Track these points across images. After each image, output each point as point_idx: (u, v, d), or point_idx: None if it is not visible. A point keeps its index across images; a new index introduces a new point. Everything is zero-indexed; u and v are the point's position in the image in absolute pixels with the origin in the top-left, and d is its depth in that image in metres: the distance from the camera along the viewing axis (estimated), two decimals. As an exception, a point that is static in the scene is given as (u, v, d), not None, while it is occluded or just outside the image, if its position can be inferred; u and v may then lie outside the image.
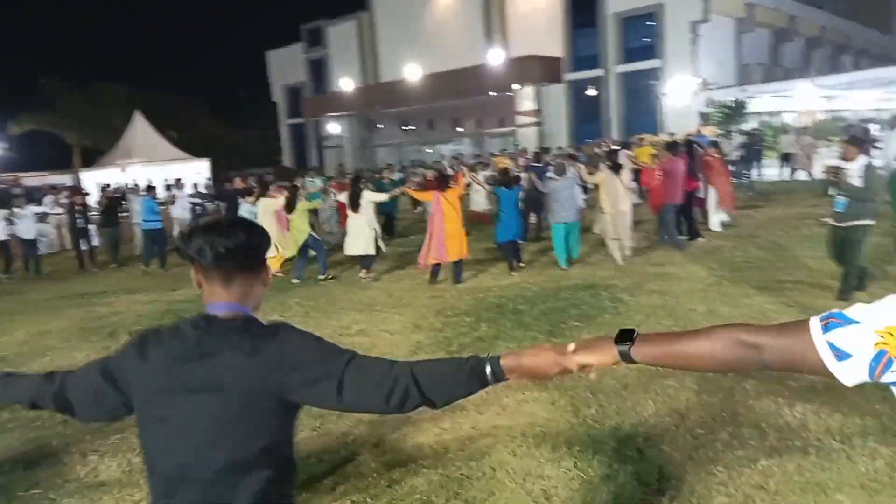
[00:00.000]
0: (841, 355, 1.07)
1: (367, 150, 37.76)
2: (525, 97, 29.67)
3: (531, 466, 3.62)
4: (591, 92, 29.48)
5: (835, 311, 1.12)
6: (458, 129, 34.78)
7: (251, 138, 47.27)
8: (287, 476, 1.54)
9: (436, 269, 8.78)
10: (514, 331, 6.25)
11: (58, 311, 9.09)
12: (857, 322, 1.07)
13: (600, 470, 3.52)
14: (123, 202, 16.52)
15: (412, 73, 31.31)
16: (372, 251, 9.35)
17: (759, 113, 27.32)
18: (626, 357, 1.31)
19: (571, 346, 1.37)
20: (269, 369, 1.44)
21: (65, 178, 31.98)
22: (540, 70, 28.78)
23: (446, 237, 8.43)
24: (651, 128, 26.17)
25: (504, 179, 9.28)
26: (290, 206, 9.64)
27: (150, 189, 13.25)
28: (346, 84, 35.22)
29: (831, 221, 6.30)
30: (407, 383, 1.43)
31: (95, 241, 13.08)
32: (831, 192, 6.51)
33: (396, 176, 17.31)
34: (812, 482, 3.23)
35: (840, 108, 30.80)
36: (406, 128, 36.78)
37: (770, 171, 18.83)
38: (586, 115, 29.82)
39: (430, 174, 15.28)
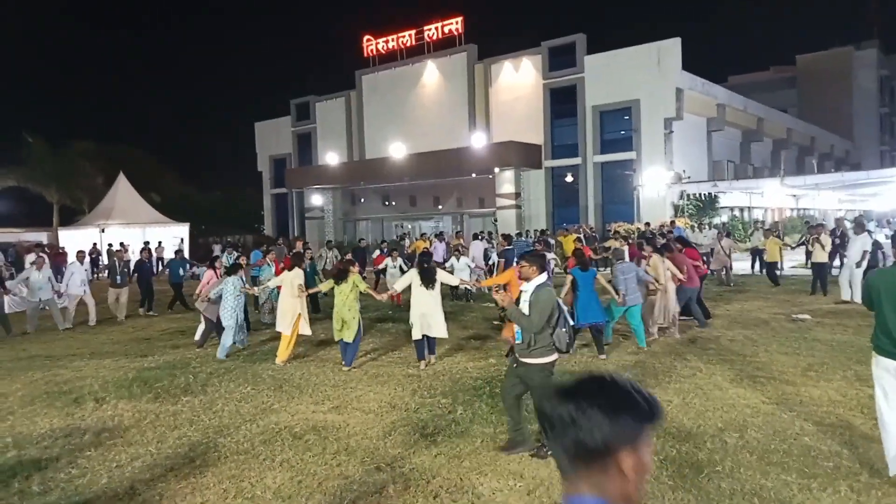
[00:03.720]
0: None
1: (349, 222, 38.16)
2: (505, 180, 30.49)
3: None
4: (569, 179, 30.44)
5: None
6: (439, 206, 35.43)
7: (232, 204, 47.41)
8: None
9: None
10: (490, 415, 6.19)
11: (19, 373, 8.83)
12: None
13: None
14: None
15: (397, 151, 32.13)
16: (445, 334, 8.60)
17: (731, 208, 28.40)
18: None
19: None
20: None
21: (42, 236, 31.65)
22: (520, 155, 29.73)
23: None
24: (627, 216, 27.01)
25: (580, 261, 8.99)
26: (340, 278, 8.60)
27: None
28: (331, 158, 35.94)
29: (516, 355, 5.13)
30: None
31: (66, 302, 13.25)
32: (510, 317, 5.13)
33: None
34: None
35: (806, 207, 32.24)
36: (388, 203, 37.38)
37: (739, 265, 19.01)
38: (564, 201, 30.69)
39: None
